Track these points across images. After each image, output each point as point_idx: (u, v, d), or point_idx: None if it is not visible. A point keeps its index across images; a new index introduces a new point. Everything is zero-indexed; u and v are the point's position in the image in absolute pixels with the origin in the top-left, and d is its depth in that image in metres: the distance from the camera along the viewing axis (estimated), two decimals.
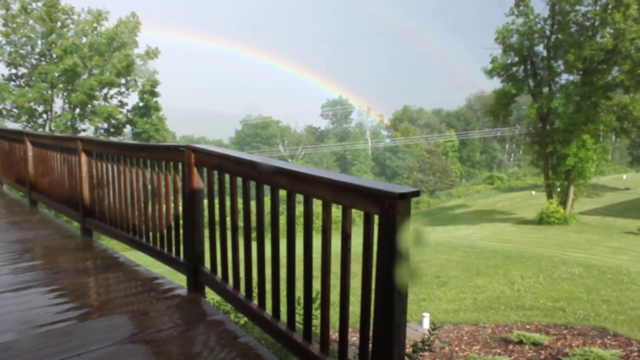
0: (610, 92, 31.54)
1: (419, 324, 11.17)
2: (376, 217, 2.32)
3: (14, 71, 35.97)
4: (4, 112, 35.39)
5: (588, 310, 12.39)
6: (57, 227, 6.99)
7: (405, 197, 2.22)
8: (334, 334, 3.02)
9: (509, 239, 26.96)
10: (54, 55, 34.86)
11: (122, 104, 37.88)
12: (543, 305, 12.92)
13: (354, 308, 2.46)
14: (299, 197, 2.92)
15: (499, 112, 35.79)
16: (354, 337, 8.99)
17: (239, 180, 3.48)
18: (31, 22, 34.54)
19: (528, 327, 11.20)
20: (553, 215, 31.92)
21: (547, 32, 32.87)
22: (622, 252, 21.78)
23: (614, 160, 51.14)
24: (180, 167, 4.14)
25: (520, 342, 9.93)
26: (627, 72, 29.59)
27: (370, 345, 2.44)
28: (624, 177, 54.52)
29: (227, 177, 3.62)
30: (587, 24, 31.13)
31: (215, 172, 3.76)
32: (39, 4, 34.48)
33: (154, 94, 38.00)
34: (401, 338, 2.32)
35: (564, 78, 33.40)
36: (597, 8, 30.36)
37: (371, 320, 2.42)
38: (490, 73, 34.51)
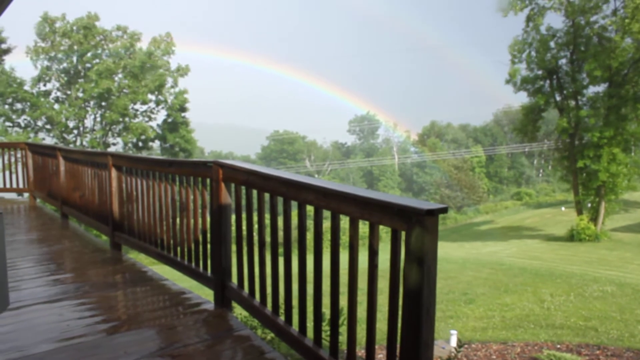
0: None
1: (447, 341, 11.01)
2: (403, 234, 2.31)
3: (48, 87, 37.09)
4: (37, 127, 36.42)
5: (622, 330, 12.04)
6: (88, 240, 7.11)
7: (433, 214, 2.20)
8: (361, 351, 3.00)
9: (538, 256, 26.45)
10: (89, 77, 35.94)
11: (150, 118, 38.71)
12: (574, 325, 12.61)
13: (381, 325, 2.45)
14: (326, 213, 2.92)
15: (527, 129, 35.38)
16: (380, 355, 8.90)
17: (267, 195, 3.51)
18: (68, 41, 35.66)
19: (559, 346, 10.94)
20: (584, 231, 31.23)
21: (569, 45, 32.54)
22: None
23: None
24: (208, 182, 4.19)
25: None
26: None
27: None
28: None
29: (254, 192, 3.65)
30: (608, 34, 30.68)
31: (243, 187, 3.79)
32: (75, 27, 35.70)
33: (183, 109, 38.73)
34: (428, 356, 2.29)
35: (591, 91, 32.98)
36: (615, 18, 29.90)
37: (398, 338, 2.40)
38: (514, 85, 34.21)
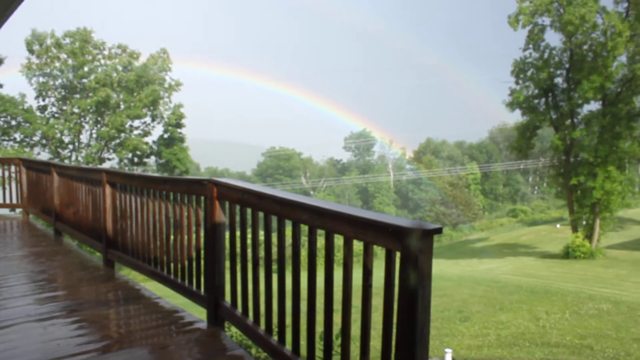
0: (634, 121, 31.10)
1: None
2: (398, 254, 2.30)
3: (43, 102, 37.08)
4: (33, 142, 36.36)
5: (618, 348, 12.01)
6: (81, 257, 7.06)
7: (427, 234, 2.20)
8: None
9: (534, 274, 26.43)
10: (86, 88, 35.99)
11: (145, 133, 38.74)
12: (570, 343, 12.57)
13: (376, 342, 2.43)
14: (321, 230, 2.91)
15: (522, 146, 35.61)
16: None
17: (261, 214, 3.50)
18: (63, 55, 35.75)
19: None
20: (579, 249, 31.27)
21: (565, 64, 32.87)
22: None
23: None
24: (202, 200, 4.17)
25: None
26: None
27: None
28: None
29: (249, 210, 3.64)
30: (604, 54, 31.03)
31: (237, 205, 3.78)
32: (68, 39, 35.78)
33: (179, 125, 38.79)
34: None
35: (586, 109, 33.25)
36: (608, 37, 30.26)
37: (392, 357, 2.38)
38: (511, 105, 34.51)
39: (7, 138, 35.75)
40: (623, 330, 13.72)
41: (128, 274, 7.72)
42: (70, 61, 35.87)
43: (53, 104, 37.53)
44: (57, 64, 35.82)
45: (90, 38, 36.34)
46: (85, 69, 36.23)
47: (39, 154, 35.95)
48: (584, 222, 33.33)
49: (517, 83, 34.18)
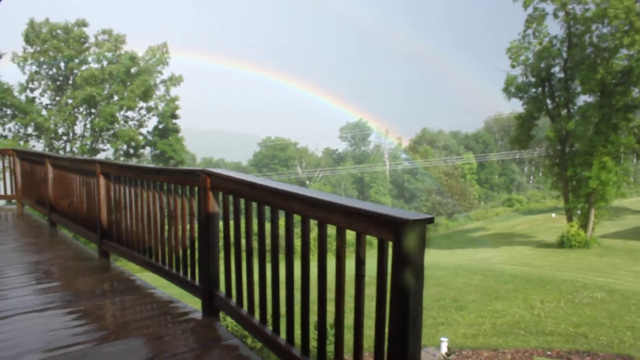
0: (631, 113, 31.15)
1: (437, 348, 11.01)
2: (390, 244, 2.31)
3: (37, 93, 36.93)
4: (27, 133, 36.23)
5: (611, 336, 12.10)
6: (76, 248, 7.05)
7: (419, 224, 2.20)
8: (351, 358, 2.99)
9: (529, 263, 26.56)
10: (76, 82, 35.88)
11: (140, 124, 38.64)
12: (564, 331, 12.66)
13: (370, 332, 2.44)
14: (314, 220, 2.91)
15: (522, 137, 35.59)
16: None
17: (254, 204, 3.50)
18: (54, 47, 35.55)
19: (549, 353, 10.97)
20: (574, 238, 31.41)
21: (564, 54, 32.78)
22: None
23: (637, 182, 50.15)
24: (196, 191, 4.17)
25: None
26: None
27: None
28: None
29: (242, 201, 3.64)
30: (603, 45, 30.94)
31: (231, 196, 3.78)
32: (60, 30, 35.61)
33: (173, 116, 38.68)
34: None
35: (582, 99, 33.25)
36: (613, 29, 30.17)
37: (385, 348, 2.39)
38: (508, 93, 34.39)
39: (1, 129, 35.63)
40: (617, 318, 13.82)
41: (123, 264, 7.72)
42: (61, 53, 35.67)
43: (45, 94, 37.36)
44: (52, 53, 35.64)
45: (81, 31, 36.12)
46: (76, 60, 36.06)
47: (34, 146, 35.83)
48: (579, 212, 33.46)
49: (512, 67, 33.95)
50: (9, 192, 10.33)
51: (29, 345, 3.68)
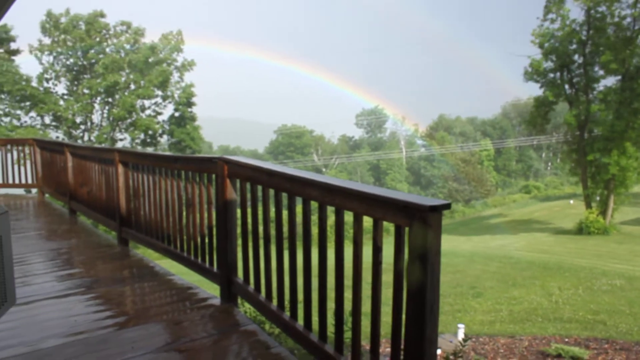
0: None
1: (454, 335, 11.01)
2: (407, 230, 2.31)
3: (55, 83, 37.28)
4: (45, 123, 36.66)
5: (631, 324, 12.00)
6: (95, 236, 7.16)
7: (436, 210, 2.20)
8: (368, 344, 3.01)
9: (547, 250, 26.37)
10: (95, 70, 36.16)
11: (157, 113, 38.88)
12: (582, 318, 12.59)
13: (388, 318, 2.45)
14: (331, 207, 2.92)
15: (537, 121, 35.15)
16: (387, 348, 8.92)
17: (272, 191, 3.52)
18: (71, 38, 35.84)
19: (567, 340, 10.92)
20: (593, 225, 31.10)
21: (584, 37, 32.21)
22: None
23: None
24: (213, 178, 4.20)
25: (559, 356, 9.68)
26: None
27: (402, 359, 2.42)
28: None
29: (259, 188, 3.66)
30: (625, 25, 30.30)
31: (248, 183, 3.80)
32: (80, 21, 35.87)
33: (189, 104, 38.83)
34: (432, 352, 2.29)
35: (602, 84, 32.65)
36: (637, 9, 29.54)
37: (402, 334, 2.40)
38: (529, 75, 33.90)
39: (19, 120, 36.02)
40: (636, 305, 13.70)
41: (142, 252, 7.81)
42: (79, 43, 35.98)
43: (62, 84, 37.71)
44: (70, 44, 35.96)
45: (97, 21, 36.36)
46: (92, 50, 36.35)
47: (58, 137, 36.27)
48: (598, 198, 33.07)
49: (540, 48, 33.33)
50: (30, 181, 10.50)
51: (52, 330, 3.75)
